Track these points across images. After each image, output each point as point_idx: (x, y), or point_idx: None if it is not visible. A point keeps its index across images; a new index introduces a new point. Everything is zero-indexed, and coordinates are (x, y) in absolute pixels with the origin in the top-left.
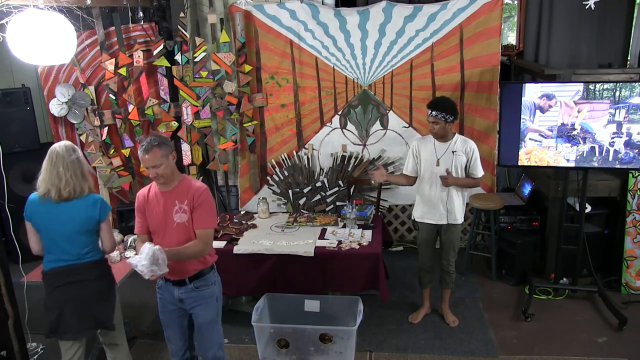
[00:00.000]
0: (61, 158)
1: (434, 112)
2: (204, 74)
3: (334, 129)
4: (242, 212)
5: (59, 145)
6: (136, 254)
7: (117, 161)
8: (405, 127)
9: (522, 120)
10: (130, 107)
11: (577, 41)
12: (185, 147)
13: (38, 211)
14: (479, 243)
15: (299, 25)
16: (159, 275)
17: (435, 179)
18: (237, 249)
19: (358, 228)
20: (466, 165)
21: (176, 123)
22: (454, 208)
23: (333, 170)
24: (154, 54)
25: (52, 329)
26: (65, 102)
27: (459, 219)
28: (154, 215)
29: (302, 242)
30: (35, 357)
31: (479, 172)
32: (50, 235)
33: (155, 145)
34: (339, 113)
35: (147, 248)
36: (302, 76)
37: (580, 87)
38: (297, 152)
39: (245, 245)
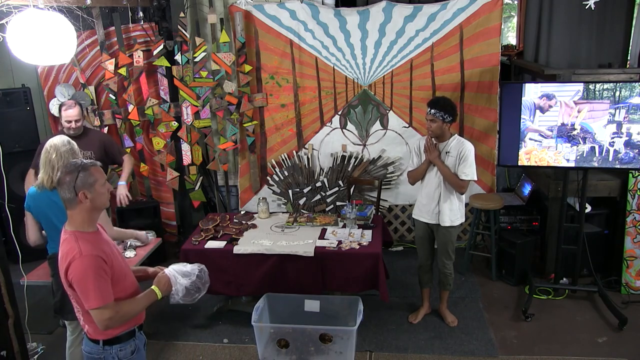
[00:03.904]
0: (55, 147)
1: (432, 110)
2: (204, 74)
3: (334, 129)
4: (242, 212)
5: (54, 138)
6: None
7: None
8: (405, 127)
9: (522, 120)
10: (130, 107)
11: (577, 41)
12: (185, 147)
13: (36, 201)
14: (479, 243)
15: (299, 25)
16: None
17: (430, 178)
18: (237, 249)
19: (358, 228)
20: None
21: (176, 123)
22: (444, 209)
23: (333, 170)
24: (154, 54)
25: (57, 309)
26: None
27: (447, 221)
28: (117, 264)
29: (302, 242)
30: (35, 357)
31: (464, 174)
32: (51, 222)
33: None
34: (339, 113)
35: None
36: (302, 76)
37: (580, 87)
38: (297, 152)
39: (245, 245)
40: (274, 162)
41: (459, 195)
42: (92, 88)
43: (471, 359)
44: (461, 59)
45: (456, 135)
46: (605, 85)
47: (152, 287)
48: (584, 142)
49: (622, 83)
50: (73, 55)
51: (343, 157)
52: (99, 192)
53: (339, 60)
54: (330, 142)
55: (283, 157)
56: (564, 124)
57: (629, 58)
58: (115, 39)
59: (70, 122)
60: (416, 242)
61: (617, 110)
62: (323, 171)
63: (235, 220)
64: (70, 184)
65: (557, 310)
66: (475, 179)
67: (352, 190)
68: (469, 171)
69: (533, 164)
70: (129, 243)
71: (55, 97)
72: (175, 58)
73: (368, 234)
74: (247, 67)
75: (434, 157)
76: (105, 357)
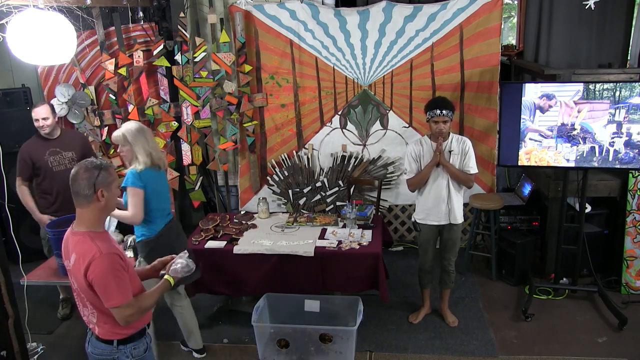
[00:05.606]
0: (149, 131)
1: (444, 111)
2: (204, 74)
3: (334, 129)
4: (242, 212)
5: (129, 124)
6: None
7: (116, 161)
8: (405, 127)
9: (522, 120)
10: (130, 107)
11: (577, 41)
12: (185, 147)
13: (152, 178)
14: (479, 243)
15: (299, 25)
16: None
17: (436, 180)
18: (237, 249)
19: (358, 228)
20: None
21: (176, 123)
22: (454, 207)
23: (333, 170)
24: (154, 54)
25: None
26: (65, 102)
27: (459, 218)
28: (129, 262)
29: (302, 242)
30: (35, 357)
31: (473, 168)
32: (159, 198)
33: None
34: (339, 113)
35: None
36: (302, 76)
37: (580, 87)
38: (297, 152)
39: (245, 245)
40: (274, 162)
41: (461, 192)
42: (92, 88)
43: (471, 359)
44: (461, 59)
45: (451, 133)
46: (605, 85)
47: (166, 276)
48: (584, 142)
49: (622, 83)
50: (73, 55)
51: (343, 157)
52: (114, 192)
53: (339, 60)
54: (330, 142)
55: (283, 157)
56: (564, 124)
57: (629, 58)
58: (115, 39)
59: (37, 120)
60: (421, 246)
61: (617, 110)
62: (323, 171)
63: (235, 220)
64: (90, 180)
65: (557, 310)
66: (477, 171)
67: (352, 190)
68: (473, 165)
69: (533, 164)
70: (128, 243)
71: (55, 97)
72: (175, 58)
73: (368, 234)
74: (247, 67)
75: (443, 159)
76: (119, 357)
